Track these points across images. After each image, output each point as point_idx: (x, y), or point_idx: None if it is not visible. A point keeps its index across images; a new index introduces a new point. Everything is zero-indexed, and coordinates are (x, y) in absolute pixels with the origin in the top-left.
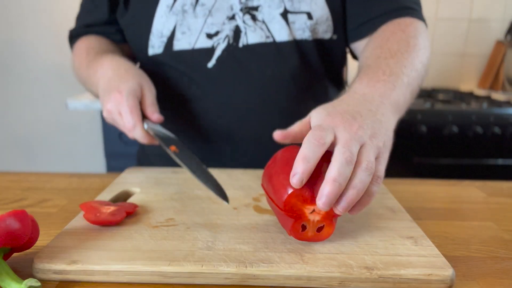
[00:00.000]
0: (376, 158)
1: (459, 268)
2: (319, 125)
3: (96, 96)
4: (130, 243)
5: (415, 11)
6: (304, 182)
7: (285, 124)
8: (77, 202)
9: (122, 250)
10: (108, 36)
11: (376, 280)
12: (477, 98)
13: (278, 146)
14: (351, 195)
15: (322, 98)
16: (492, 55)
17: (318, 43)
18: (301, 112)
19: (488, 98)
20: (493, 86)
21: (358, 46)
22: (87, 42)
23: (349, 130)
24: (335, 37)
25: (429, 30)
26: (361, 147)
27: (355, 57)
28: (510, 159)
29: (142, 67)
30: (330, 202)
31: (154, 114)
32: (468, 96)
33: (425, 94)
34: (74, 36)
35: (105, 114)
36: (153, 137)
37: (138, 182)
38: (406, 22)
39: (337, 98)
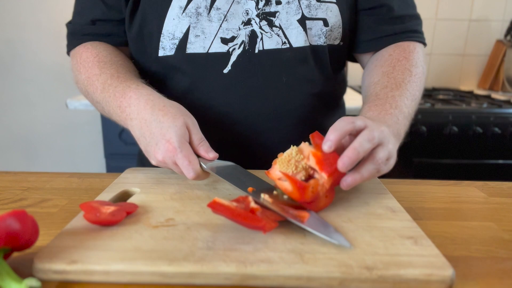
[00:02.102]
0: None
1: (459, 268)
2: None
3: (114, 120)
4: (130, 243)
5: (419, 35)
6: (332, 149)
7: (299, 130)
8: (77, 202)
9: (122, 250)
10: (113, 38)
11: (376, 280)
12: (477, 98)
13: None
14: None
15: (333, 103)
16: (492, 55)
17: (330, 48)
18: (315, 117)
19: (488, 98)
20: (493, 86)
21: (363, 57)
22: (95, 52)
23: (376, 126)
24: (341, 43)
25: (429, 30)
26: (379, 145)
27: (351, 59)
28: (510, 159)
29: (147, 69)
30: (349, 164)
31: (209, 153)
32: (468, 96)
33: (425, 94)
34: (75, 34)
35: (155, 163)
36: (216, 175)
37: (138, 182)
38: (410, 48)
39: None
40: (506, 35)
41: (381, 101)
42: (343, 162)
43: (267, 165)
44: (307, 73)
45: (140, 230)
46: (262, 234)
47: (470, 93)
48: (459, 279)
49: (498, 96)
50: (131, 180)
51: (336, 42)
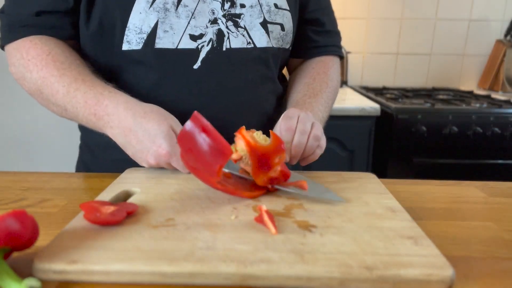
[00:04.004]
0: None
1: (459, 268)
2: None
3: (83, 124)
4: (130, 243)
5: (339, 50)
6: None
7: (261, 124)
8: (77, 202)
9: (122, 250)
10: (59, 31)
11: (376, 280)
12: (477, 98)
13: None
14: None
15: (282, 100)
16: (492, 55)
17: (282, 51)
18: (273, 113)
19: (488, 98)
20: (493, 86)
21: (294, 61)
22: (47, 50)
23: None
24: (290, 48)
25: (429, 30)
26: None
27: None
28: (510, 159)
29: (104, 63)
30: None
31: None
32: (468, 96)
33: (425, 94)
34: (14, 25)
35: (146, 165)
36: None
37: (138, 182)
38: (330, 64)
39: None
40: (506, 35)
41: (299, 106)
42: (292, 160)
43: None
44: (268, 72)
45: (140, 230)
46: (262, 234)
47: (470, 93)
48: (459, 279)
49: (498, 96)
50: (131, 180)
51: (287, 46)
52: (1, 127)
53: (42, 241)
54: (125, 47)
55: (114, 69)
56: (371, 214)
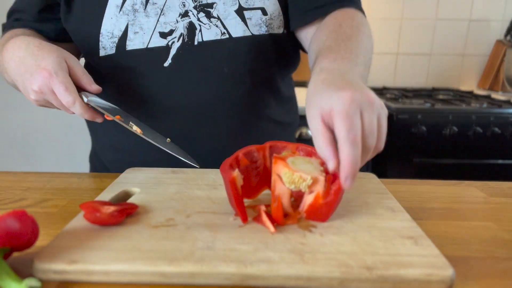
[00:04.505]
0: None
1: (459, 268)
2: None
3: (10, 83)
4: (130, 243)
5: (357, 3)
6: (336, 164)
7: (244, 119)
8: (77, 202)
9: (122, 250)
10: (39, 33)
11: (376, 280)
12: (477, 98)
13: (236, 143)
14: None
15: (275, 91)
16: (492, 55)
17: (272, 37)
18: (258, 106)
19: (488, 98)
20: (493, 86)
21: (305, 34)
22: (12, 33)
23: (340, 103)
24: (285, 31)
25: (429, 30)
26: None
27: (303, 50)
28: (510, 159)
29: (94, 69)
30: (353, 181)
31: (92, 85)
32: (468, 96)
33: (425, 94)
34: (4, 30)
35: (33, 97)
36: (95, 109)
37: (138, 182)
38: (351, 12)
39: (311, 77)
40: (506, 35)
41: (334, 49)
42: (348, 184)
43: (211, 155)
44: (249, 63)
45: (140, 230)
46: (262, 234)
47: (470, 93)
48: (459, 279)
49: (498, 96)
50: (131, 180)
51: (280, 30)
52: (1, 127)
53: (42, 241)
54: (101, 53)
55: (102, 74)
56: (371, 214)
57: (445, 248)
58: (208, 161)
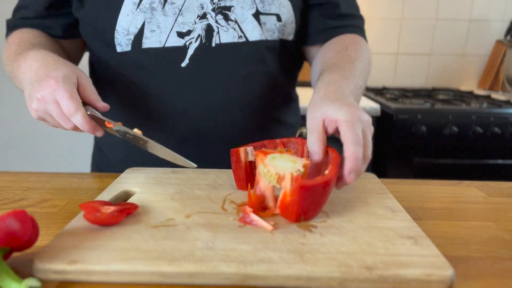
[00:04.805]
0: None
1: (459, 268)
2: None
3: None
4: (130, 243)
5: (363, 32)
6: (321, 157)
7: (257, 123)
8: (77, 202)
9: (122, 250)
10: (45, 30)
11: (376, 280)
12: (477, 98)
13: (247, 144)
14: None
15: (286, 95)
16: (492, 55)
17: (282, 43)
18: (271, 110)
19: (488, 98)
20: (493, 86)
21: (311, 49)
22: (20, 35)
23: (347, 116)
24: (294, 39)
25: (429, 30)
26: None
27: (305, 59)
28: (510, 159)
29: (105, 68)
30: (357, 176)
31: (100, 102)
32: (468, 96)
33: (425, 94)
34: (10, 28)
35: (35, 106)
36: (96, 119)
37: (138, 182)
38: (357, 39)
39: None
40: (506, 35)
41: (340, 68)
42: (352, 178)
43: (223, 157)
44: (263, 67)
45: (140, 230)
46: (262, 234)
47: (470, 93)
48: (459, 279)
49: (498, 96)
50: (131, 180)
51: (290, 37)
52: (1, 127)
53: (42, 241)
54: (118, 49)
55: (117, 70)
56: (371, 214)
57: (445, 248)
58: (219, 161)
